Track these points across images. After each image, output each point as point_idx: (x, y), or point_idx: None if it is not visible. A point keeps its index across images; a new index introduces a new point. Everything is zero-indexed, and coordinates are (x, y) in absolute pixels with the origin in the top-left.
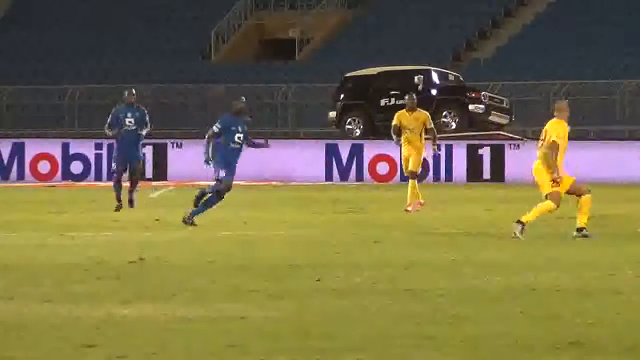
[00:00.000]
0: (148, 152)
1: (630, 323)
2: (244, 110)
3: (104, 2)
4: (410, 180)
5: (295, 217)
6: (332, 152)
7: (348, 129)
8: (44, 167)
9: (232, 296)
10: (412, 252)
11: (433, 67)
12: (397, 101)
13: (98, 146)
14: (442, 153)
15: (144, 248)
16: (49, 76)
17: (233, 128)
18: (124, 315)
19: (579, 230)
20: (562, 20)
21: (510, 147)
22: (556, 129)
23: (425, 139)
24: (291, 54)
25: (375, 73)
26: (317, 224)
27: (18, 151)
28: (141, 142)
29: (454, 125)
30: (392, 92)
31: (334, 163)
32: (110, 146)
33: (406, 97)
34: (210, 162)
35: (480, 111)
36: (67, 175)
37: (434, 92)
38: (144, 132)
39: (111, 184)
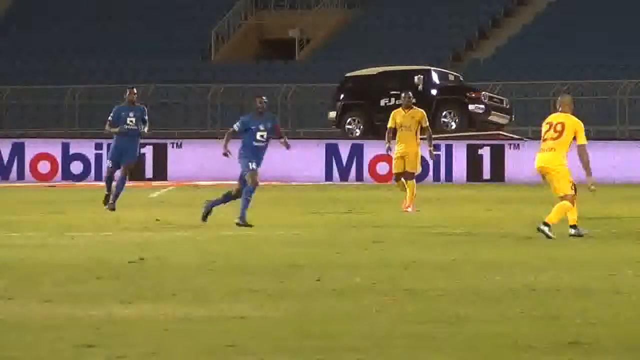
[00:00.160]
0: (148, 152)
1: (630, 323)
2: (264, 109)
3: (104, 2)
4: (408, 181)
5: (295, 217)
6: (332, 152)
7: (348, 129)
8: (44, 167)
9: (232, 296)
10: (412, 252)
11: (433, 67)
12: (397, 101)
13: (98, 146)
14: (442, 153)
15: (144, 248)
16: (49, 76)
17: (253, 127)
18: (124, 315)
19: (573, 227)
20: (562, 20)
21: (510, 147)
22: (581, 128)
23: (421, 138)
24: (291, 54)
25: (375, 73)
26: (317, 224)
27: (18, 151)
28: (139, 141)
29: (454, 125)
30: (392, 92)
31: (334, 163)
32: (110, 146)
33: (402, 95)
34: (229, 154)
35: (480, 111)
36: (67, 175)
37: (434, 92)
38: (145, 129)
39: (115, 181)
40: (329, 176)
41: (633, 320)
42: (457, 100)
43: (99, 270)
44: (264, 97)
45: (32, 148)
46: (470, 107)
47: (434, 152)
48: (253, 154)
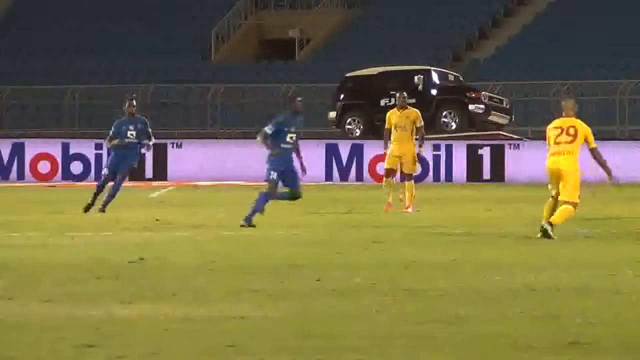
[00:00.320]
0: (148, 152)
1: (630, 323)
2: (300, 109)
3: (104, 2)
4: (407, 182)
5: (295, 217)
6: (332, 152)
7: (348, 129)
8: (44, 167)
9: (232, 296)
10: (412, 252)
11: (433, 67)
12: (397, 101)
13: (98, 146)
14: (442, 153)
15: (144, 248)
16: (49, 76)
17: (286, 129)
18: (124, 315)
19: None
20: (562, 20)
21: (510, 147)
22: (590, 132)
23: (415, 138)
24: (291, 54)
25: (375, 73)
26: (317, 224)
27: (18, 151)
28: (141, 153)
29: (454, 125)
30: (392, 92)
31: (334, 163)
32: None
33: (397, 95)
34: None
35: (480, 111)
36: (67, 175)
37: (434, 92)
38: (150, 143)
39: (111, 183)
40: (329, 176)
41: (633, 320)
42: (457, 100)
43: (99, 270)
44: (299, 98)
45: (32, 148)
46: (470, 107)
47: (422, 154)
48: (279, 160)
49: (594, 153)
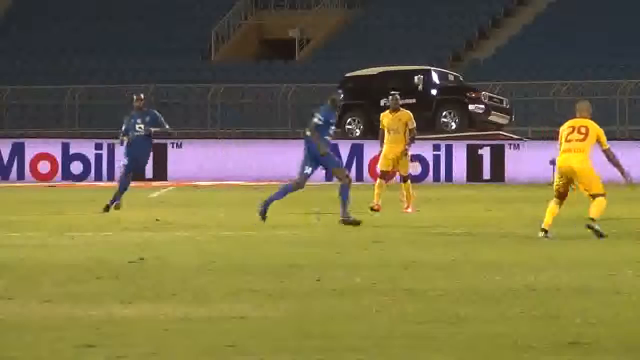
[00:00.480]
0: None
1: (630, 323)
2: (339, 103)
3: (104, 2)
4: (404, 183)
5: (295, 217)
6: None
7: (348, 129)
8: (44, 167)
9: (232, 296)
10: (412, 252)
11: (433, 67)
12: (389, 103)
13: (98, 146)
14: (442, 153)
15: (144, 248)
16: (49, 76)
17: (332, 121)
18: (124, 315)
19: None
20: (562, 20)
21: (510, 147)
22: (602, 133)
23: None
24: (291, 54)
25: (375, 73)
26: (317, 224)
27: (18, 151)
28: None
29: (454, 125)
30: (392, 92)
31: None
32: (110, 146)
33: (389, 97)
34: (328, 153)
35: (480, 111)
36: (67, 175)
37: (434, 92)
38: (167, 127)
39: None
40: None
41: (633, 320)
42: (457, 100)
43: (99, 270)
44: (340, 90)
45: (32, 148)
46: (470, 107)
47: (408, 154)
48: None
49: (608, 154)
